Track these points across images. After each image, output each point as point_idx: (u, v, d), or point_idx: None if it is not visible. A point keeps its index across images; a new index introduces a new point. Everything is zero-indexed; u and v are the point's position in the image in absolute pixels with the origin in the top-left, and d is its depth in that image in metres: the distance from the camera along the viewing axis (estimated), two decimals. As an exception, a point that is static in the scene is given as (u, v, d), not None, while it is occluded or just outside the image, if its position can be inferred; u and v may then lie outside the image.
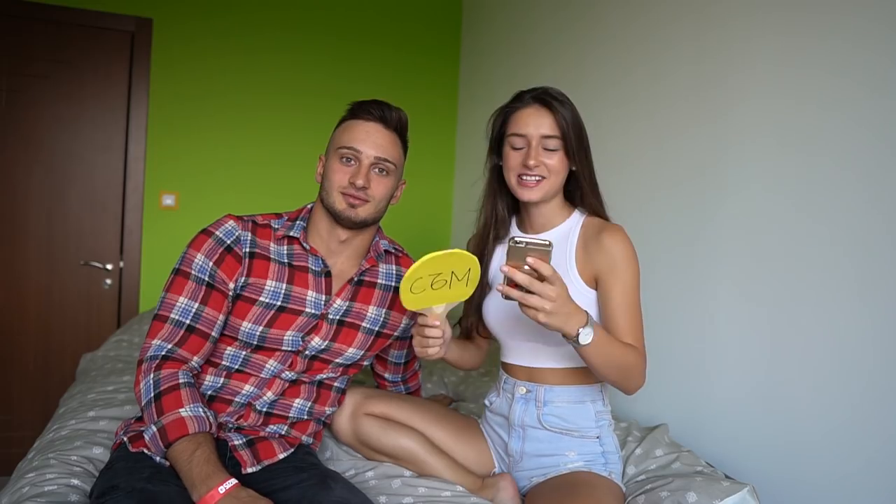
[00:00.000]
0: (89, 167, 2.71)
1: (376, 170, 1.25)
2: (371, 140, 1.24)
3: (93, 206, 2.73)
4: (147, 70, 2.74)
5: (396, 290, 1.37)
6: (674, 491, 1.18)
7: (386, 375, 1.54)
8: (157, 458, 1.11)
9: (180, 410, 1.09)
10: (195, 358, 1.19)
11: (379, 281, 1.35)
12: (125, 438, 1.16)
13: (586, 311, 1.07)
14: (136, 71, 2.73)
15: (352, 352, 1.31)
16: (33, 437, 1.55)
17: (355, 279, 1.32)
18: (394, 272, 1.38)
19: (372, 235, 1.34)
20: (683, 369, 1.61)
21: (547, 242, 1.01)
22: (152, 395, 1.11)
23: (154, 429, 1.08)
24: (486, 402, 1.42)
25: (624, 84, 1.91)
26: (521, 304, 1.01)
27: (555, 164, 1.23)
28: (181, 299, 1.18)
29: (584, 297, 1.24)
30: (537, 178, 1.23)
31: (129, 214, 2.75)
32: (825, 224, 1.26)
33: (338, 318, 1.29)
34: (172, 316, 1.17)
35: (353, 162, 1.24)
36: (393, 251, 1.39)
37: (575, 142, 1.22)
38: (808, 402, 1.29)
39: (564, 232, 1.29)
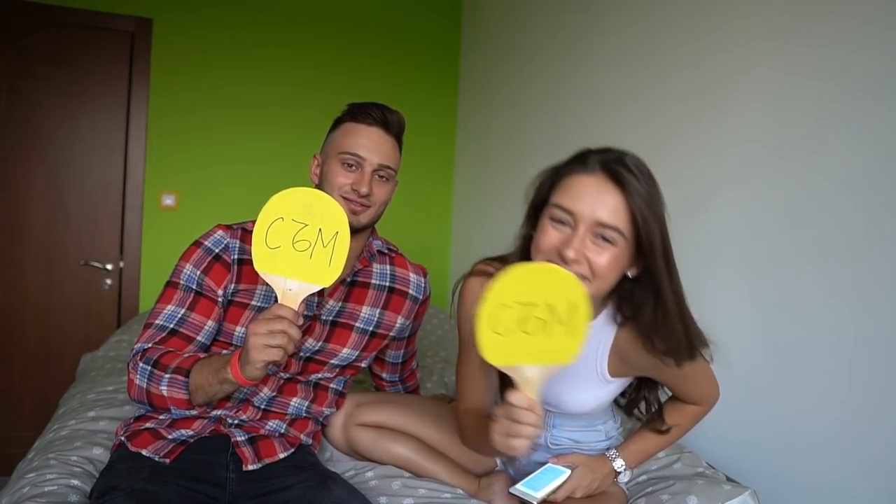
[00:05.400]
0: (89, 167, 2.71)
1: (378, 176, 1.25)
2: (374, 147, 1.24)
3: (93, 206, 2.72)
4: (147, 70, 2.73)
5: (391, 290, 1.37)
6: (675, 494, 1.17)
7: (383, 375, 1.54)
8: (157, 458, 1.11)
9: (183, 353, 1.14)
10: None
11: (373, 281, 1.36)
12: (123, 438, 1.17)
13: (607, 458, 1.13)
14: (136, 71, 2.72)
15: (346, 352, 1.31)
16: (33, 437, 1.54)
17: (348, 280, 1.32)
18: (388, 272, 1.38)
19: (366, 237, 1.35)
20: (683, 370, 1.61)
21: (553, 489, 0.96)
22: (149, 368, 1.12)
23: (167, 376, 1.10)
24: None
25: (621, 90, 1.91)
26: None
27: (604, 264, 0.91)
28: (168, 307, 1.20)
29: (605, 390, 1.11)
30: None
31: (129, 214, 2.75)
32: (823, 228, 1.27)
33: (331, 318, 1.30)
34: (157, 322, 1.19)
35: (355, 168, 1.24)
36: (386, 251, 1.40)
37: (646, 240, 0.91)
38: (808, 405, 1.29)
39: (594, 333, 1.05)
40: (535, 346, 0.82)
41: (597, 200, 0.90)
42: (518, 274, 0.81)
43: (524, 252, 1.01)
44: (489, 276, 1.08)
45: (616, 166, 0.91)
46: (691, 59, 1.64)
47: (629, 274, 0.95)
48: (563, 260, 0.90)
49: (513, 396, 0.82)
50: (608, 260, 0.90)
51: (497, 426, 0.84)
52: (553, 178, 0.98)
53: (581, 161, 0.95)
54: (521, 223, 1.03)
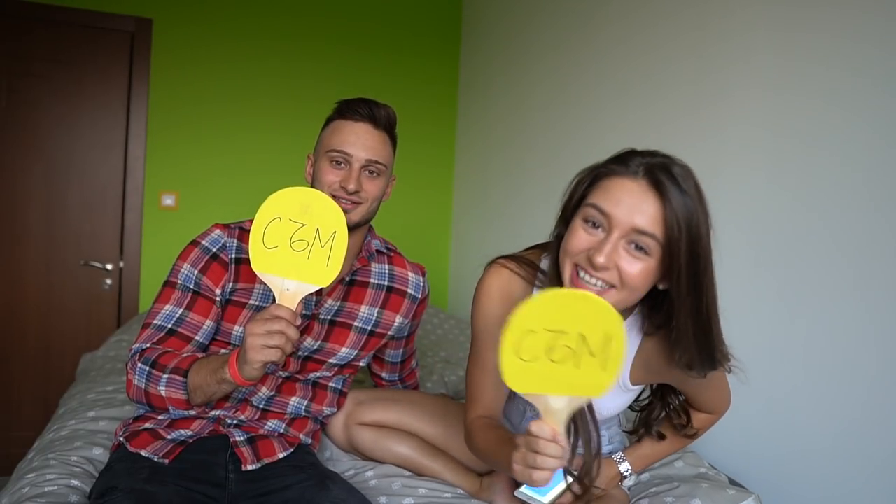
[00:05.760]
0: (89, 167, 2.71)
1: (367, 171, 1.24)
2: (361, 142, 1.23)
3: (93, 206, 2.72)
4: (147, 70, 2.73)
5: (389, 289, 1.37)
6: (679, 497, 1.16)
7: (383, 374, 1.54)
8: (156, 459, 1.11)
9: (181, 353, 1.14)
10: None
11: (371, 280, 1.35)
12: (122, 438, 1.17)
13: (613, 462, 1.12)
14: (136, 71, 2.72)
15: (345, 351, 1.31)
16: (33, 437, 1.54)
17: (347, 279, 1.32)
18: (386, 271, 1.38)
19: (363, 235, 1.35)
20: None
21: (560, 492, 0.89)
22: (147, 368, 1.12)
23: (165, 376, 1.09)
24: None
25: (624, 73, 1.91)
26: None
27: (635, 273, 0.85)
28: (166, 307, 1.20)
29: (623, 398, 1.09)
30: (601, 285, 0.87)
31: (129, 214, 2.75)
32: (828, 225, 1.25)
33: (329, 317, 1.30)
34: (155, 322, 1.19)
35: (343, 165, 1.23)
36: (385, 250, 1.40)
37: (685, 253, 0.83)
38: (812, 408, 1.28)
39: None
40: (563, 376, 0.77)
41: (636, 207, 0.84)
42: (548, 299, 0.76)
43: (557, 254, 0.94)
44: (509, 271, 1.04)
45: (661, 174, 0.84)
46: (693, 44, 1.63)
47: (660, 287, 0.90)
48: (591, 265, 0.85)
49: (535, 427, 0.77)
50: (640, 270, 0.85)
51: (518, 455, 0.80)
52: (592, 178, 0.91)
53: (624, 162, 0.88)
54: (555, 224, 0.96)
